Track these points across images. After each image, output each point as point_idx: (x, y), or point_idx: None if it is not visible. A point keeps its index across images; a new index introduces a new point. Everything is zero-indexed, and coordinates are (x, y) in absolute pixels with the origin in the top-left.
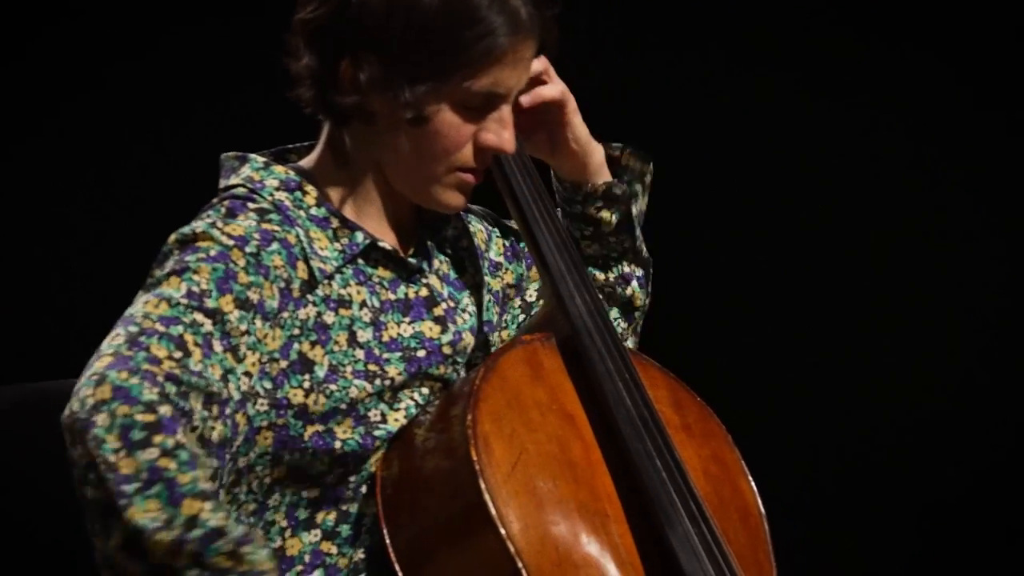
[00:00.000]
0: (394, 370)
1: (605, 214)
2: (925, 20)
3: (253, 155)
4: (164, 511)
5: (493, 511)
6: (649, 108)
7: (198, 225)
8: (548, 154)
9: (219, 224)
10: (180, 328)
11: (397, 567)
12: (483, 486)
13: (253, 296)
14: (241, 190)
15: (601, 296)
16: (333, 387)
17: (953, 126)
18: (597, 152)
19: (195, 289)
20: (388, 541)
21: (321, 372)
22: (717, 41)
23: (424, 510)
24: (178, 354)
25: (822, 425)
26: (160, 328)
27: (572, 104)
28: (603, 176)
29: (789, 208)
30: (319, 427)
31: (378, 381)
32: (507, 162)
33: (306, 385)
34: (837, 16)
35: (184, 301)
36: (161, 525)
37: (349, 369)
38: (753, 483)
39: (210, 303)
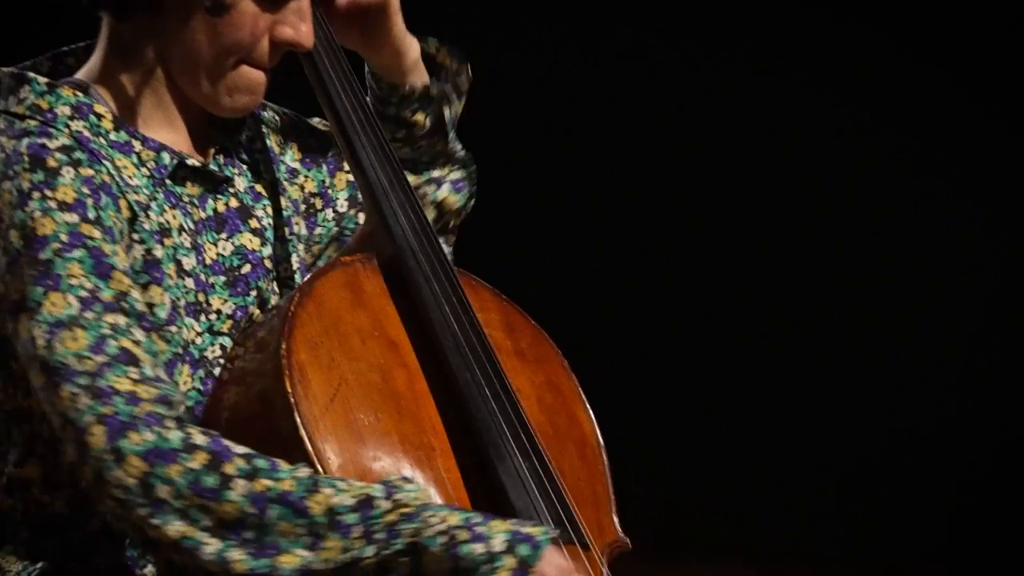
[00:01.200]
0: (218, 300)
1: (419, 116)
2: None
3: (32, 74)
4: (299, 527)
5: (309, 447)
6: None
7: (29, 206)
8: (362, 48)
9: (47, 194)
10: (112, 343)
11: None
12: (299, 420)
13: (123, 261)
14: (32, 124)
15: None
16: (173, 329)
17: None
18: (413, 48)
19: (83, 294)
20: None
21: (163, 313)
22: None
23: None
24: (134, 371)
25: None
26: (100, 359)
27: (395, 3)
28: (419, 75)
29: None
30: None
31: (204, 317)
32: (324, 66)
33: (153, 331)
34: None
35: (88, 315)
36: (313, 541)
37: (183, 304)
38: (591, 411)
39: (106, 295)
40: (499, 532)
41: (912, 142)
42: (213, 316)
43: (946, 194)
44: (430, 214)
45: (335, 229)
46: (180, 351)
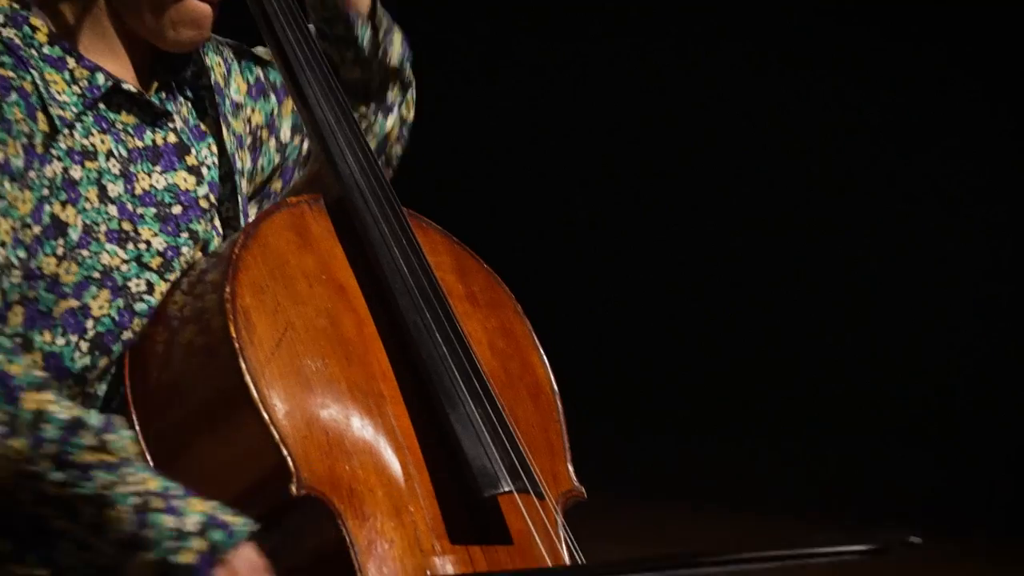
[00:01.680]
0: (149, 232)
1: (369, 34)
2: None
3: None
4: (3, 413)
5: (255, 394)
6: None
7: None
8: None
9: None
10: None
11: (148, 458)
12: (243, 366)
13: (12, 158)
14: None
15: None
16: (85, 252)
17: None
18: None
19: None
20: (137, 429)
21: (75, 235)
22: None
23: (178, 395)
24: None
25: None
26: None
27: None
28: None
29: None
30: (73, 302)
31: (131, 246)
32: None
33: (59, 251)
34: None
35: None
36: (5, 432)
37: (103, 230)
38: (545, 357)
39: None
40: (196, 512)
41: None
42: (143, 246)
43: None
44: (373, 144)
45: (277, 158)
46: (96, 275)
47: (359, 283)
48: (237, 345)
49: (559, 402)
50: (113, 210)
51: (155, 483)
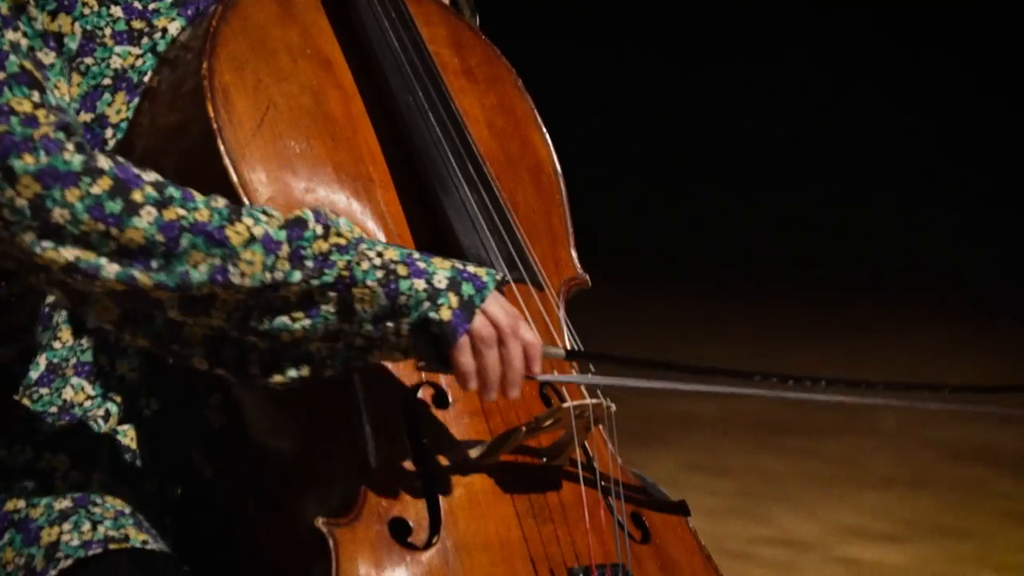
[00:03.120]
0: (165, 20)
1: None
2: None
3: None
4: (218, 258)
5: (235, 178)
6: None
7: None
8: None
9: None
10: (12, 59)
11: None
12: (223, 148)
13: None
14: None
15: None
16: (88, 61)
17: None
18: None
19: None
20: None
21: (73, 44)
22: None
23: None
24: (36, 95)
25: None
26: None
27: None
28: None
29: None
30: (86, 116)
31: (146, 39)
32: None
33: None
34: None
35: None
36: (231, 269)
37: (108, 32)
38: (547, 136)
39: (3, 8)
40: (442, 269)
41: None
42: (157, 36)
43: None
44: None
45: None
46: (108, 81)
47: (346, 58)
48: (216, 126)
49: (562, 184)
50: (117, 11)
51: (393, 252)
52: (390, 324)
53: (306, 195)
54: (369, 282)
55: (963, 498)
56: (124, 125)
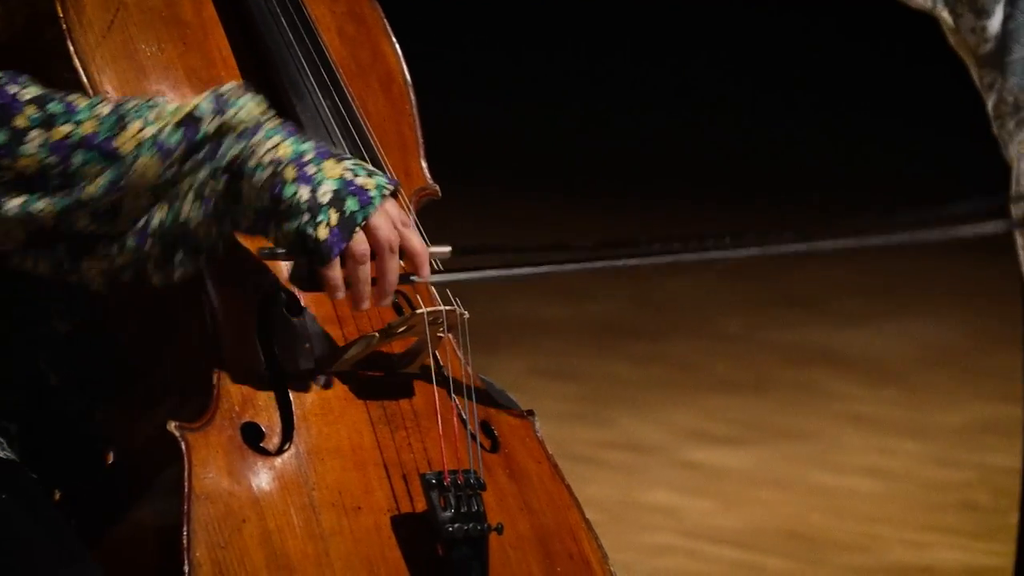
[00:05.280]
0: None
1: None
2: None
3: None
4: (114, 170)
5: (85, 80)
6: None
7: None
8: None
9: None
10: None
11: None
12: (72, 49)
13: None
14: None
15: None
16: None
17: None
18: None
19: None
20: None
21: None
22: None
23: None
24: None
25: None
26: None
27: None
28: None
29: None
30: None
31: None
32: None
33: None
34: None
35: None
36: (123, 180)
37: None
38: (397, 45)
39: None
40: (330, 179)
41: None
42: None
43: None
44: None
45: None
46: None
47: None
48: (64, 26)
49: (412, 93)
50: None
51: (287, 149)
52: (271, 223)
53: (156, 98)
54: (255, 179)
55: (802, 400)
56: None
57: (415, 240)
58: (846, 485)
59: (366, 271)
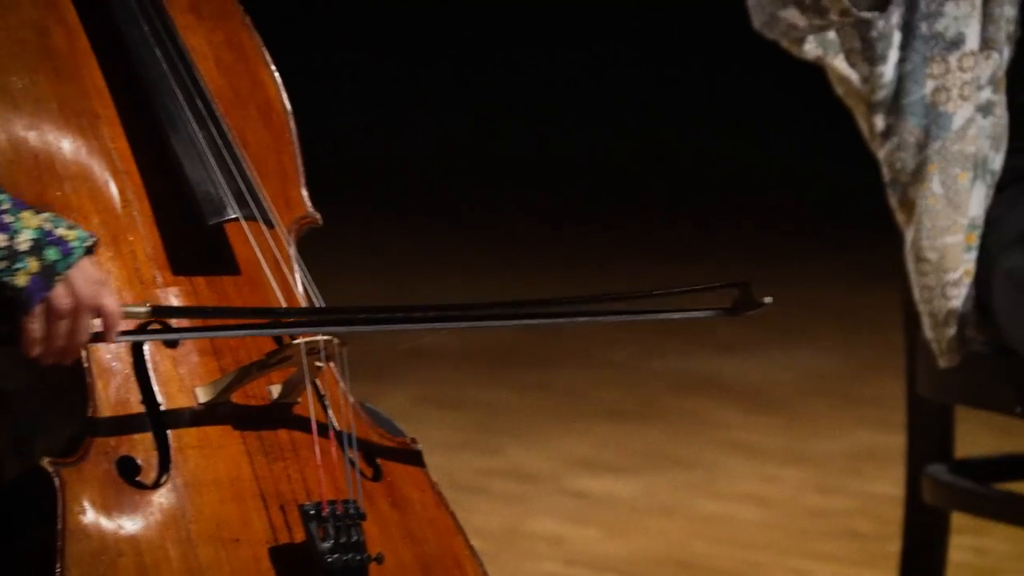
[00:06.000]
0: None
1: None
2: None
3: None
4: None
5: None
6: None
7: None
8: None
9: None
10: None
11: None
12: None
13: None
14: None
15: None
16: None
17: None
18: None
19: None
20: None
21: None
22: None
23: None
24: None
25: None
26: None
27: None
28: None
29: None
30: None
31: None
32: None
33: None
34: None
35: None
36: None
37: None
38: (277, 74)
39: None
40: (28, 228)
41: None
42: None
43: None
44: None
45: None
46: None
47: None
48: None
49: (292, 122)
50: None
51: None
52: None
53: (29, 131)
54: None
55: (687, 428)
56: None
57: (109, 300)
58: (729, 512)
59: (64, 327)
